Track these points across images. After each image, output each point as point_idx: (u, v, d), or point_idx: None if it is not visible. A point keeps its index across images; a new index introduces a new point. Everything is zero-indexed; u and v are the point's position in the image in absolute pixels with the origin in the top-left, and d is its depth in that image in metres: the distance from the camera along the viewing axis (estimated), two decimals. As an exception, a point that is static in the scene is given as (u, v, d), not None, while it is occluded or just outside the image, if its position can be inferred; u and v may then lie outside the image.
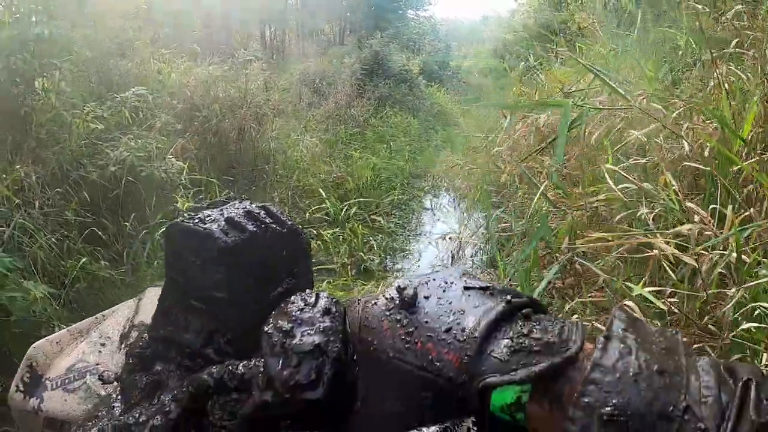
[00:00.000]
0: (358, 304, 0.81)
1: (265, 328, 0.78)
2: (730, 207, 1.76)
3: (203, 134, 5.24)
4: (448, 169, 6.75)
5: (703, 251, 1.64)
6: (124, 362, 1.02)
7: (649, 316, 1.80)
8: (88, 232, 3.38)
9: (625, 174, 1.86)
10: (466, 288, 0.73)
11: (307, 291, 0.86)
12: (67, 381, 1.33)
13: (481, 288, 0.73)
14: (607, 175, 1.87)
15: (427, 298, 0.72)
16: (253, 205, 1.04)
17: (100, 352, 1.35)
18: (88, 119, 3.82)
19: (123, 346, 1.34)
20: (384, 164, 6.33)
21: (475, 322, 0.66)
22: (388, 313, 0.73)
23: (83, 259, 3.03)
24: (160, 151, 3.94)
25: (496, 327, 0.66)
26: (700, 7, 2.62)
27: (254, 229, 0.96)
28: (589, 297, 2.19)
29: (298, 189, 5.39)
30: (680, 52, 3.16)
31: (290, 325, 0.77)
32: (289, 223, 1.04)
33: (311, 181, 5.53)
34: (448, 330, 0.67)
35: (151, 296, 1.46)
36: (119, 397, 1.04)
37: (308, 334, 0.75)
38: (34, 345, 1.37)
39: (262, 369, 0.76)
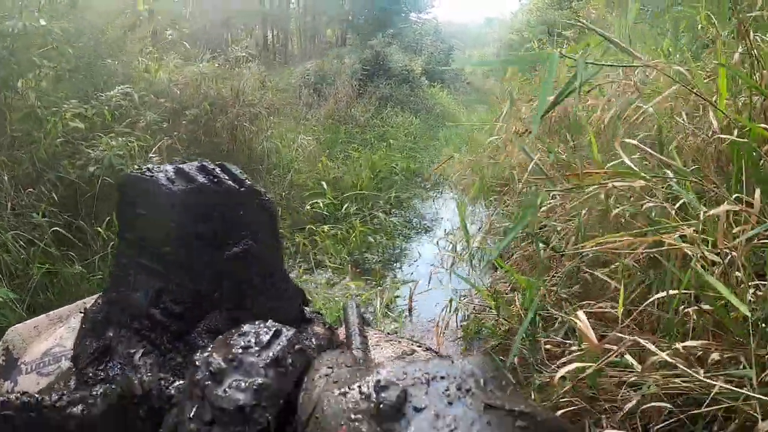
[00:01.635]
0: (328, 374, 0.61)
1: (195, 357, 0.64)
2: (757, 191, 1.42)
3: (193, 133, 5.05)
4: (448, 164, 6.52)
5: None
6: (79, 328, 0.97)
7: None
8: (63, 235, 3.19)
9: (645, 148, 1.59)
10: (488, 407, 0.48)
11: (269, 323, 0.70)
12: (41, 365, 1.20)
13: (509, 412, 0.48)
14: (620, 151, 1.59)
15: (418, 410, 0.48)
16: (212, 164, 0.97)
17: None
18: (66, 117, 3.63)
19: None
20: (383, 162, 6.11)
21: None
22: (353, 417, 0.50)
23: (48, 263, 2.82)
24: (142, 149, 3.74)
25: None
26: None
27: (204, 181, 0.90)
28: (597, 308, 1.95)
29: (293, 188, 5.19)
30: (699, 26, 2.90)
31: (224, 365, 0.61)
32: (249, 182, 0.96)
33: (305, 178, 5.33)
34: None
35: None
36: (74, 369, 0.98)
37: (238, 387, 0.58)
38: (11, 328, 1.26)
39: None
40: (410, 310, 3.34)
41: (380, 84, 11.04)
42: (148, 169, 0.91)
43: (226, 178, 0.96)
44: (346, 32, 17.97)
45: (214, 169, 0.96)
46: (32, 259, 2.82)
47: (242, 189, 0.96)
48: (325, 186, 4.52)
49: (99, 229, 3.14)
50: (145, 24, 6.00)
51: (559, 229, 2.15)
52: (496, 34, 29.04)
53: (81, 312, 1.50)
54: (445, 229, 4.52)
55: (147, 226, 0.92)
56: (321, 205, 4.52)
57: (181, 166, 0.94)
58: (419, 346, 1.11)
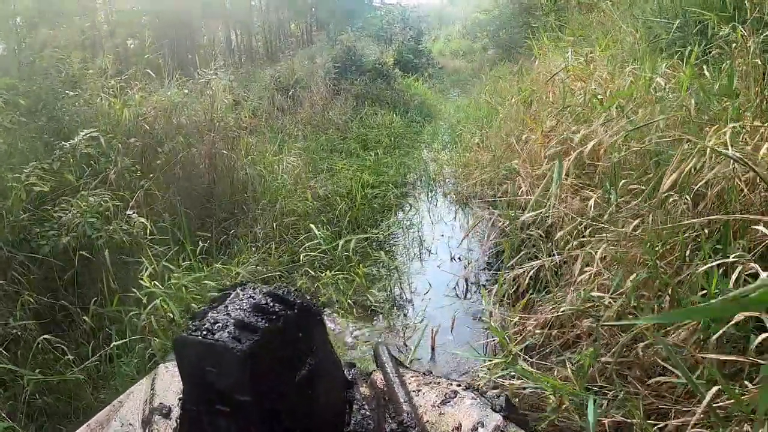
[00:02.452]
0: None
1: None
2: None
3: (170, 171, 4.69)
4: (443, 172, 6.28)
5: None
6: None
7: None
8: (48, 320, 2.88)
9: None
10: None
11: None
12: None
13: None
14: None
15: None
16: (258, 293, 1.02)
17: None
18: (31, 181, 3.26)
19: (147, 431, 1.27)
20: (374, 178, 5.81)
21: None
22: None
23: (39, 369, 2.51)
24: (118, 208, 3.39)
25: None
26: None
27: (266, 324, 0.94)
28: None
29: (284, 217, 4.87)
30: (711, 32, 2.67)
31: None
32: (299, 301, 1.01)
33: (296, 206, 5.01)
34: None
35: (163, 374, 1.42)
36: None
37: None
38: None
39: None
40: (433, 349, 3.14)
41: (354, 81, 10.66)
42: (208, 330, 0.93)
43: (281, 308, 0.98)
44: (311, 26, 17.44)
45: (267, 303, 0.99)
46: (21, 364, 2.50)
47: (295, 311, 1.00)
48: (315, 230, 4.22)
49: (85, 318, 2.83)
50: (108, 39, 5.60)
51: (606, 302, 1.90)
52: (461, 12, 28.68)
53: (116, 412, 1.38)
54: (451, 254, 4.28)
55: (220, 380, 0.91)
56: (318, 237, 4.22)
57: (239, 316, 0.95)
58: (458, 386, 1.21)
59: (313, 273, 3.80)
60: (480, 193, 4.63)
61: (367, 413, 1.16)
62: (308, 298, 1.10)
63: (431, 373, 1.35)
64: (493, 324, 2.37)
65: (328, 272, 3.72)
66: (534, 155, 3.24)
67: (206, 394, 0.95)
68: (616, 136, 2.24)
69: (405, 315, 3.56)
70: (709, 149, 1.69)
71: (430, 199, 5.72)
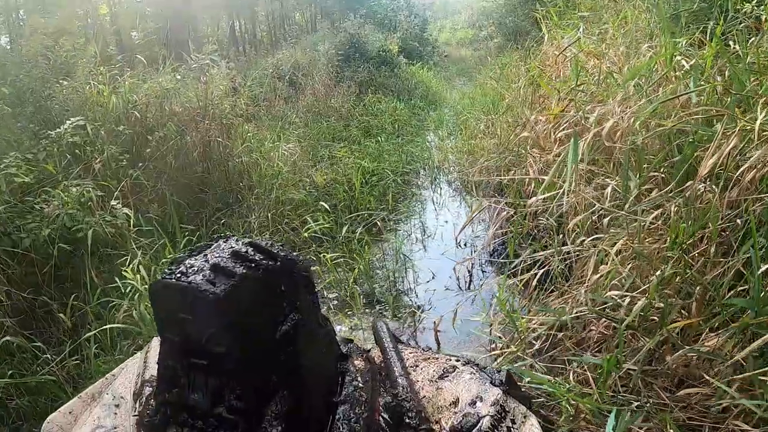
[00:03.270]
0: None
1: None
2: None
3: (161, 159, 4.51)
4: (447, 159, 6.06)
5: None
6: None
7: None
8: (26, 317, 2.73)
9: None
10: None
11: None
12: None
13: None
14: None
15: None
16: (240, 243, 0.98)
17: (115, 414, 1.23)
18: (10, 172, 3.10)
19: (137, 404, 1.22)
20: (375, 165, 5.60)
21: None
22: None
23: (13, 370, 2.36)
24: (102, 198, 3.22)
25: None
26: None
27: (244, 270, 0.90)
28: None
29: (279, 206, 4.69)
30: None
31: None
32: (283, 254, 0.98)
33: (293, 195, 4.82)
34: None
35: (157, 347, 1.33)
36: None
37: None
38: (47, 420, 1.26)
39: None
40: (437, 342, 2.96)
41: (358, 68, 10.43)
42: (182, 273, 0.87)
43: (261, 257, 0.93)
44: (316, 14, 17.16)
45: (246, 252, 0.94)
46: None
47: (278, 263, 0.94)
48: (310, 220, 4.05)
49: (62, 315, 2.66)
50: (106, 31, 5.42)
51: (625, 303, 1.69)
52: (466, 0, 28.20)
53: (109, 385, 1.33)
54: (457, 240, 4.08)
55: (195, 329, 0.86)
56: (314, 228, 4.04)
57: (215, 260, 0.90)
58: (457, 361, 1.17)
59: (315, 257, 3.64)
60: (486, 181, 4.42)
61: (360, 385, 1.14)
62: (296, 254, 1.03)
63: (431, 349, 1.31)
64: (497, 324, 2.18)
65: (328, 254, 3.55)
66: (544, 138, 3.01)
67: (182, 347, 0.89)
68: (634, 116, 2.02)
69: (408, 304, 3.38)
70: (757, 127, 1.47)
71: (434, 186, 5.52)
